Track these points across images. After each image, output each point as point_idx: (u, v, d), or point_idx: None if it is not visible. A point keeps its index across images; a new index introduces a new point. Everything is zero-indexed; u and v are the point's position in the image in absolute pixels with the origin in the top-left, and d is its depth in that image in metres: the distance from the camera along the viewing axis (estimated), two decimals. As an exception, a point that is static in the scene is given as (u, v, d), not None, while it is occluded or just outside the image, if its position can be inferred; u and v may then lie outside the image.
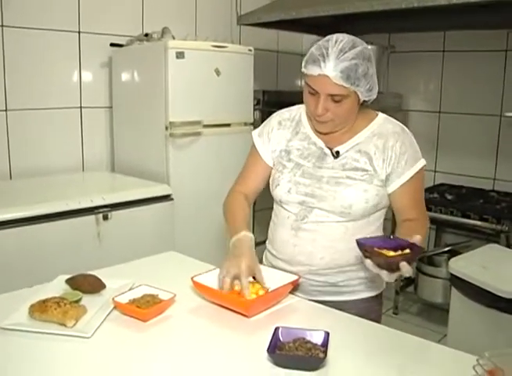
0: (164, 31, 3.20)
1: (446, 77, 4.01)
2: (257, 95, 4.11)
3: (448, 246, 3.78)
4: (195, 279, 1.53)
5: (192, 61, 3.04)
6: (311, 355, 1.22)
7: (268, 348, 1.23)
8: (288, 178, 1.70)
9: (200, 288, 1.53)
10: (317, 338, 1.27)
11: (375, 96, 1.64)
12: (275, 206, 1.81)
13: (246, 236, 1.65)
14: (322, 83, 1.53)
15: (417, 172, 1.64)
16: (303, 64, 1.59)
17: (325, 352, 1.22)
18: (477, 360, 1.13)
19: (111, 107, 3.43)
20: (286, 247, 1.71)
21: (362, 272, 1.70)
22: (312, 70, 1.54)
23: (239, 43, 4.10)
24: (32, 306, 1.42)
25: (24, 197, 2.57)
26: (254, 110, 4.01)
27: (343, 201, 1.61)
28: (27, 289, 1.62)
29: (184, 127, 3.06)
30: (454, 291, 2.67)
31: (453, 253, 3.54)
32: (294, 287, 1.61)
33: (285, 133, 1.77)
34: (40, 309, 1.40)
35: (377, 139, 1.65)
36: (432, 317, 3.71)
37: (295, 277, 1.56)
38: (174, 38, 3.20)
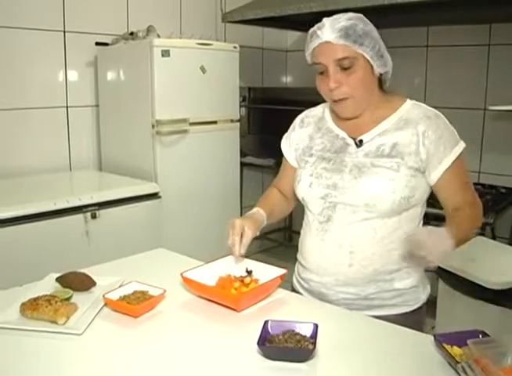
0: (149, 30, 3.21)
1: (430, 71, 4.05)
2: (242, 92, 4.13)
3: (434, 239, 3.81)
4: (184, 274, 1.54)
5: (177, 59, 3.06)
6: (300, 347, 1.24)
7: (258, 341, 1.24)
8: (310, 172, 1.62)
9: (189, 283, 1.55)
10: (306, 330, 1.28)
11: (390, 69, 1.56)
12: (304, 213, 1.72)
13: (258, 211, 1.68)
14: (326, 50, 1.47)
15: (459, 156, 1.53)
16: (305, 50, 1.54)
17: (314, 344, 1.23)
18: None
19: (97, 106, 3.43)
20: (313, 255, 1.63)
21: (397, 283, 1.57)
22: (313, 44, 1.50)
23: (225, 40, 4.11)
24: (23, 304, 1.42)
25: (11, 196, 2.57)
26: (240, 106, 4.03)
27: (366, 191, 1.49)
28: (17, 288, 1.63)
29: (170, 125, 3.07)
30: (441, 283, 2.71)
31: (440, 246, 3.57)
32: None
33: (307, 130, 1.71)
34: (31, 306, 1.40)
35: (406, 126, 1.53)
36: (420, 310, 3.73)
37: (283, 271, 1.58)
38: (159, 36, 3.20)
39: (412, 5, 2.97)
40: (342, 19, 1.46)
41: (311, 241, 1.63)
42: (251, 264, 1.64)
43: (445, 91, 3.98)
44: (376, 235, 1.52)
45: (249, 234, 1.58)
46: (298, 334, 1.28)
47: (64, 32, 3.22)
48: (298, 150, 1.71)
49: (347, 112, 1.56)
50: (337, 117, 1.63)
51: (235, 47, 3.41)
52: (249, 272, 1.60)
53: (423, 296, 1.63)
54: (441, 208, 3.34)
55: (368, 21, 1.51)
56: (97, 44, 3.30)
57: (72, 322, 1.40)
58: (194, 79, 3.17)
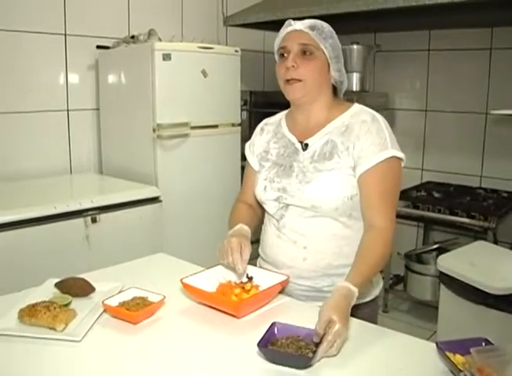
0: (151, 33, 3.20)
1: (432, 75, 4.04)
2: (244, 95, 4.11)
3: (436, 243, 3.80)
4: (184, 280, 1.53)
5: (178, 63, 3.04)
6: (300, 353, 1.23)
7: (259, 342, 1.23)
8: (264, 177, 1.74)
9: (189, 290, 1.53)
10: (312, 337, 1.27)
11: (346, 83, 1.73)
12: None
13: (242, 227, 1.72)
14: (293, 36, 1.65)
15: (382, 162, 1.56)
16: (276, 39, 1.72)
17: (314, 352, 1.22)
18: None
19: (98, 109, 3.41)
20: (271, 249, 1.73)
21: None
22: (284, 31, 1.69)
23: (226, 44, 4.10)
24: (21, 311, 1.41)
25: (11, 200, 2.56)
26: (242, 110, 4.02)
27: (311, 195, 1.61)
28: (15, 293, 1.62)
29: (171, 129, 3.05)
30: (443, 288, 2.69)
31: (441, 250, 3.56)
32: (282, 290, 1.62)
33: (266, 137, 1.83)
34: (29, 313, 1.40)
35: (345, 129, 1.64)
36: (422, 315, 3.73)
37: (284, 277, 1.57)
38: (160, 40, 3.19)
39: (413, 8, 2.96)
40: (312, 21, 1.66)
41: (269, 237, 1.75)
42: (252, 270, 1.63)
43: (447, 95, 3.97)
44: (328, 231, 1.63)
45: (247, 251, 1.63)
46: (302, 340, 1.27)
47: (65, 35, 3.21)
48: (258, 155, 1.83)
49: (296, 93, 1.66)
50: (291, 123, 1.77)
51: (236, 51, 3.40)
52: (249, 279, 1.59)
53: (375, 291, 1.73)
54: (438, 211, 3.30)
55: (336, 36, 1.69)
56: (98, 47, 3.29)
57: (71, 328, 1.39)
58: (195, 83, 3.16)
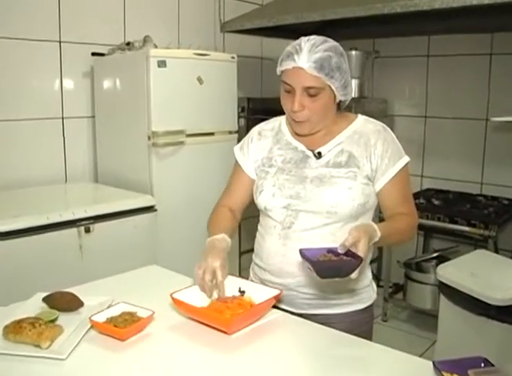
0: (146, 40, 3.16)
1: (431, 81, 4.01)
2: (241, 102, 4.09)
3: (436, 252, 3.75)
4: (174, 295, 1.49)
5: (174, 69, 3.00)
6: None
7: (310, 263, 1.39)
8: (272, 183, 1.69)
9: (179, 305, 1.49)
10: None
11: (350, 97, 1.68)
12: (261, 217, 1.79)
13: (224, 238, 1.66)
14: (297, 76, 1.57)
15: (401, 169, 1.65)
16: (278, 63, 1.63)
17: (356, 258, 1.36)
18: None
19: (93, 117, 3.38)
20: (275, 258, 1.67)
21: (350, 285, 1.66)
22: (287, 65, 1.58)
23: (224, 50, 4.07)
24: (6, 327, 1.38)
25: (2, 210, 2.51)
26: (239, 117, 3.99)
27: (328, 200, 1.60)
28: (2, 308, 1.58)
29: (167, 136, 3.01)
30: (442, 298, 2.65)
31: (441, 259, 3.52)
32: (279, 300, 1.58)
33: (266, 143, 1.78)
34: (14, 330, 1.36)
35: (359, 138, 1.66)
36: (421, 324, 3.68)
37: (277, 291, 1.52)
38: (156, 47, 3.16)
39: (412, 14, 2.93)
40: (319, 50, 1.55)
41: (272, 245, 1.69)
42: (244, 284, 1.58)
43: (447, 101, 3.93)
44: (335, 239, 1.58)
45: (223, 276, 1.55)
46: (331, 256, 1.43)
47: (60, 42, 3.18)
48: (257, 161, 1.78)
49: (303, 130, 1.67)
50: (295, 131, 1.74)
51: (232, 57, 3.36)
52: (242, 293, 1.55)
53: (374, 295, 1.78)
54: (438, 219, 3.29)
55: (343, 51, 1.63)
56: (93, 54, 3.26)
57: (56, 345, 1.35)
58: (191, 90, 3.12)
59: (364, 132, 1.67)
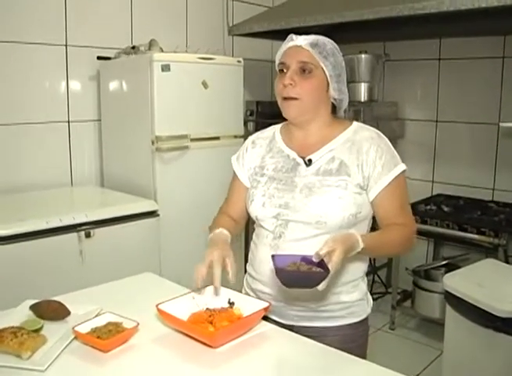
0: (152, 43, 3.14)
1: (442, 85, 3.94)
2: (250, 106, 4.06)
3: (445, 259, 3.68)
4: (160, 306, 1.45)
5: (178, 74, 2.98)
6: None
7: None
8: (262, 193, 1.67)
9: (164, 317, 1.46)
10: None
11: (346, 101, 1.68)
12: (255, 226, 1.76)
13: (222, 232, 1.67)
14: (293, 52, 1.61)
15: (397, 177, 1.60)
16: (277, 53, 1.67)
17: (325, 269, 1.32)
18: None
19: (99, 121, 3.37)
20: (266, 268, 1.64)
21: (343, 297, 1.64)
22: (285, 46, 1.64)
23: (232, 54, 4.05)
24: (-12, 336, 1.35)
25: (4, 214, 2.51)
26: (248, 121, 3.97)
27: (317, 209, 1.56)
28: (-12, 316, 1.56)
29: (170, 141, 2.99)
30: (449, 308, 2.59)
31: (451, 267, 3.44)
32: (269, 311, 1.54)
33: (259, 151, 1.77)
34: (-5, 339, 1.34)
35: (351, 145, 1.63)
36: (430, 332, 3.60)
37: (266, 304, 1.48)
38: (162, 50, 3.14)
39: (422, 16, 2.88)
40: (315, 37, 1.62)
41: (263, 255, 1.66)
42: (234, 295, 1.55)
43: (458, 105, 3.86)
44: None
45: (233, 263, 1.55)
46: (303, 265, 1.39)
47: (66, 46, 3.18)
48: (250, 169, 1.77)
49: (292, 112, 1.64)
50: (288, 138, 1.73)
51: (239, 61, 3.33)
52: (231, 304, 1.52)
53: (368, 309, 1.73)
54: (447, 227, 3.22)
55: (339, 51, 1.65)
56: (99, 58, 3.25)
57: (38, 356, 1.32)
58: (195, 94, 3.09)
59: (357, 140, 1.63)
